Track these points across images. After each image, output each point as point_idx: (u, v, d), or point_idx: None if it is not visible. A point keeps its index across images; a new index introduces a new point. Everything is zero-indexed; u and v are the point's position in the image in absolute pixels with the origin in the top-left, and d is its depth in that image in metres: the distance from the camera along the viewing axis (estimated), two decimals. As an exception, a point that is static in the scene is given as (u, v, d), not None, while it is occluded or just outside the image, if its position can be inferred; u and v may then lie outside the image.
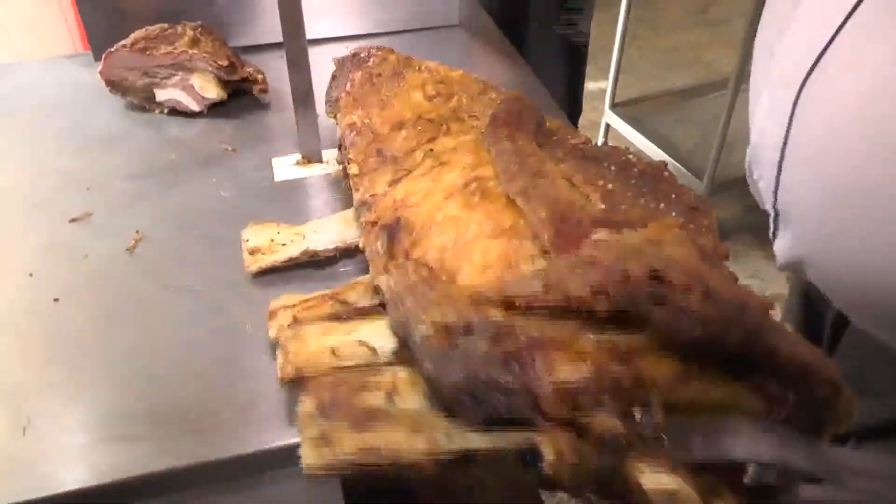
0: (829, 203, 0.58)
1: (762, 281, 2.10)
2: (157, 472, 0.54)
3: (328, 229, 0.72)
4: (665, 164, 0.67)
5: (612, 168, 0.65)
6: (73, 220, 0.78)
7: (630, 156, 0.68)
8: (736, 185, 2.16)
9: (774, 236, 0.68)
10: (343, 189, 0.77)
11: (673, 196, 0.64)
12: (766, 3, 0.66)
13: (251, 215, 0.76)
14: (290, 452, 0.55)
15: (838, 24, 0.54)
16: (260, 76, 0.96)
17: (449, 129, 0.72)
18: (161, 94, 0.95)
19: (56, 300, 0.68)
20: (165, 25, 0.97)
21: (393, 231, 0.60)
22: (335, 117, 0.78)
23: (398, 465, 0.44)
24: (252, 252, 0.71)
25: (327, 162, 0.85)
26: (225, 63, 0.93)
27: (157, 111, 0.96)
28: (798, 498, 0.44)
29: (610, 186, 0.61)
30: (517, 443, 0.43)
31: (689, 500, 0.41)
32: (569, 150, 0.67)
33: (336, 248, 0.71)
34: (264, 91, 0.96)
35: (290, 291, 0.64)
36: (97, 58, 1.04)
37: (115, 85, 0.95)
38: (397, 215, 0.61)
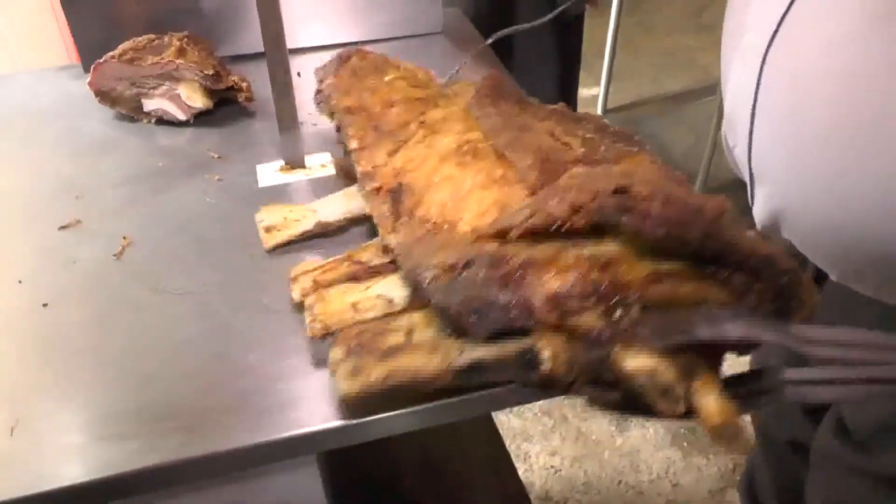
0: (797, 156, 0.62)
1: (757, 283, 2.11)
2: (148, 468, 0.56)
3: (335, 203, 0.77)
4: (632, 129, 0.74)
5: (590, 126, 0.72)
6: (62, 228, 0.80)
7: (605, 120, 0.75)
8: (729, 189, 2.19)
9: (752, 202, 0.71)
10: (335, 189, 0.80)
11: (644, 154, 0.71)
12: None
13: (236, 220, 0.79)
14: (280, 447, 0.57)
15: None
16: (245, 84, 0.99)
17: (437, 104, 0.79)
18: (148, 104, 0.97)
19: (45, 305, 0.71)
20: (153, 36, 1.00)
21: (397, 194, 0.67)
22: (328, 112, 0.83)
23: (421, 380, 0.52)
24: (268, 230, 0.76)
25: (310, 168, 0.87)
26: (211, 72, 0.96)
27: (145, 121, 0.99)
28: (777, 380, 0.49)
29: (589, 136, 0.68)
30: (519, 348, 0.50)
31: (667, 376, 0.47)
32: (549, 111, 0.75)
33: (346, 219, 0.76)
34: (249, 99, 0.99)
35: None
36: (87, 69, 1.06)
37: (104, 95, 0.98)
38: (399, 181, 0.68)
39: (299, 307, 0.65)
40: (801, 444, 0.99)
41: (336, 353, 0.56)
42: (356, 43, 1.12)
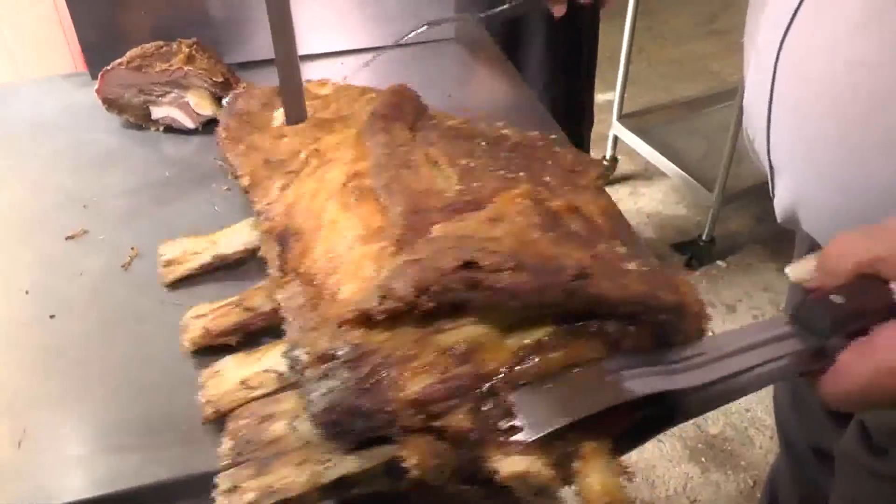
0: (811, 149, 0.65)
1: (775, 294, 2.10)
2: (151, 484, 0.56)
3: (238, 233, 0.75)
4: (545, 136, 0.74)
5: (484, 143, 0.70)
6: (69, 238, 0.80)
7: (505, 130, 0.74)
8: (747, 196, 2.17)
9: (773, 193, 0.73)
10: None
11: (548, 162, 0.71)
12: None
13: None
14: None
15: None
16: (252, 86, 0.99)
17: (333, 128, 0.76)
18: (157, 112, 0.97)
19: (52, 317, 0.71)
20: (161, 43, 1.00)
21: (284, 239, 0.64)
22: (232, 174, 0.80)
23: (293, 499, 0.49)
24: (168, 264, 0.74)
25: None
26: (220, 80, 0.96)
27: (153, 129, 0.99)
28: (676, 403, 0.49)
29: (471, 164, 0.65)
30: (384, 458, 0.48)
31: (541, 477, 0.45)
32: (443, 131, 0.72)
33: (245, 251, 0.73)
34: None
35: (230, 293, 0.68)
36: (94, 76, 1.07)
37: (111, 103, 0.98)
38: (287, 222, 0.65)
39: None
40: (823, 451, 0.99)
41: (225, 446, 0.53)
42: (366, 50, 1.12)
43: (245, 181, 0.74)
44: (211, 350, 0.65)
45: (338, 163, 0.69)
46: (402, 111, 0.74)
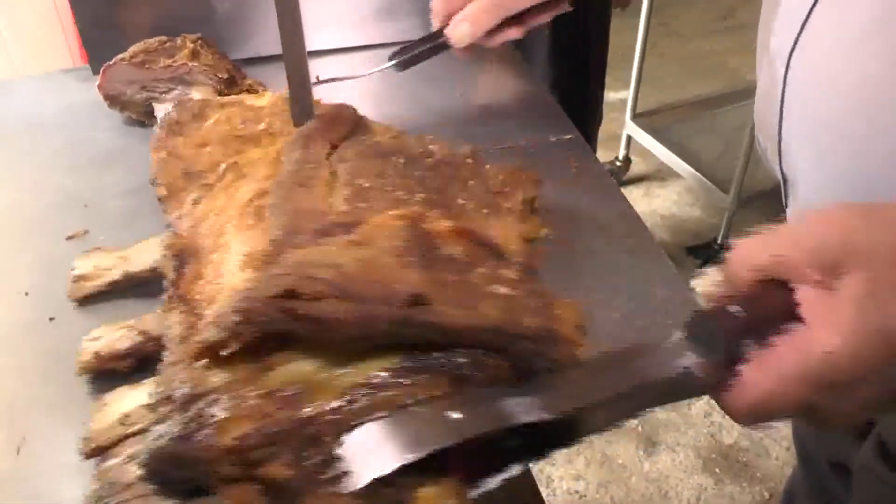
0: (823, 159, 0.64)
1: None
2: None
3: (149, 250, 0.73)
4: (472, 150, 0.74)
5: (400, 161, 0.69)
6: (69, 238, 0.81)
7: (433, 146, 0.73)
8: (764, 198, 2.17)
9: (786, 203, 0.73)
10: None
11: (471, 182, 0.71)
12: None
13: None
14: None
15: None
16: (260, 88, 0.99)
17: (260, 142, 0.76)
18: (160, 109, 0.97)
19: (52, 319, 0.71)
20: (164, 38, 1.00)
21: (181, 259, 0.63)
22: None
23: None
24: (78, 280, 0.73)
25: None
26: (225, 76, 0.96)
27: (156, 126, 0.99)
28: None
29: (370, 184, 0.65)
30: None
31: None
32: (364, 148, 0.71)
33: (154, 269, 0.71)
34: None
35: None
36: (96, 72, 1.07)
37: (113, 100, 0.98)
38: (187, 241, 0.65)
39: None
40: (842, 465, 0.99)
41: (91, 488, 0.53)
42: (374, 46, 1.12)
43: (161, 191, 0.73)
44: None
45: (250, 179, 0.69)
46: (332, 128, 0.74)
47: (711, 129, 2.45)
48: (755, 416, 0.46)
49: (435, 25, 0.88)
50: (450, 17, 0.86)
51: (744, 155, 2.01)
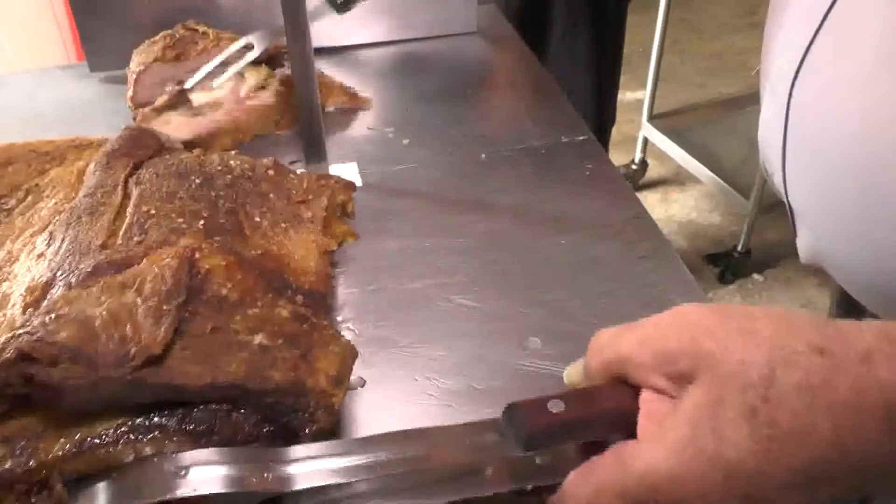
0: (827, 194, 0.63)
1: (817, 312, 2.11)
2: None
3: None
4: (273, 161, 0.77)
5: (197, 181, 0.72)
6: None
7: (233, 162, 0.75)
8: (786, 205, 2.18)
9: (795, 232, 0.72)
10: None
11: (272, 195, 0.74)
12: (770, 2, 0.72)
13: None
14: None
15: (823, 13, 0.59)
16: (283, 43, 1.00)
17: (64, 159, 0.78)
18: (200, 98, 0.99)
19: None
20: (166, 33, 1.02)
21: None
22: None
23: None
24: None
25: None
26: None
27: None
28: None
29: (153, 210, 0.67)
30: None
31: None
32: (164, 168, 0.73)
33: None
34: None
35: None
36: (93, 68, 1.09)
37: (146, 106, 0.98)
38: None
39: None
40: None
41: None
42: (384, 43, 1.15)
43: None
44: None
45: (50, 201, 0.71)
46: (137, 146, 0.76)
47: (733, 131, 2.45)
48: None
49: None
50: None
51: (766, 159, 2.02)
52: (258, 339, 0.55)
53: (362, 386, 0.63)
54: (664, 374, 0.42)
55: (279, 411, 0.53)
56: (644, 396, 0.43)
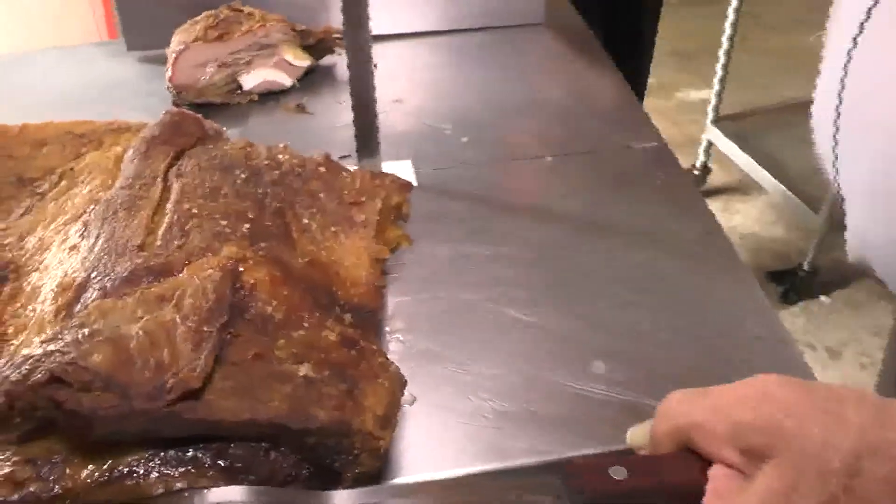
0: (884, 178, 0.61)
1: (885, 339, 2.07)
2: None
3: None
4: (325, 157, 0.76)
5: (242, 176, 0.71)
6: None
7: (281, 156, 0.75)
8: (862, 221, 2.15)
9: (845, 227, 0.71)
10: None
11: (322, 195, 0.73)
12: None
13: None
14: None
15: None
16: (334, 27, 1.03)
17: (101, 142, 0.78)
18: (249, 81, 1.00)
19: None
20: (210, 13, 1.03)
21: (1, 277, 0.66)
22: None
23: None
24: None
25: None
26: (300, 28, 1.01)
27: (246, 101, 1.03)
28: None
29: (195, 209, 0.66)
30: None
31: None
32: (207, 160, 0.73)
33: None
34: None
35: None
36: (131, 47, 1.11)
37: (187, 89, 1.01)
38: (10, 257, 0.67)
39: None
40: None
41: None
42: (441, 33, 1.15)
43: None
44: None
45: (85, 187, 0.71)
46: (178, 133, 0.76)
47: (803, 138, 2.39)
48: None
49: None
50: None
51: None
52: (303, 369, 0.54)
53: (411, 404, 0.63)
54: (737, 447, 0.41)
55: (321, 452, 0.52)
56: (713, 472, 0.43)
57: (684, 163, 2.54)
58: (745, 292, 0.74)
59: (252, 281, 0.59)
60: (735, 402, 0.42)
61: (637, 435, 0.49)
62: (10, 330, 0.60)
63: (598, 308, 0.72)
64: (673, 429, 0.45)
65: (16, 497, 0.49)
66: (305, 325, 0.58)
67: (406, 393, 0.61)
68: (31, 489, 0.49)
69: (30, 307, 0.62)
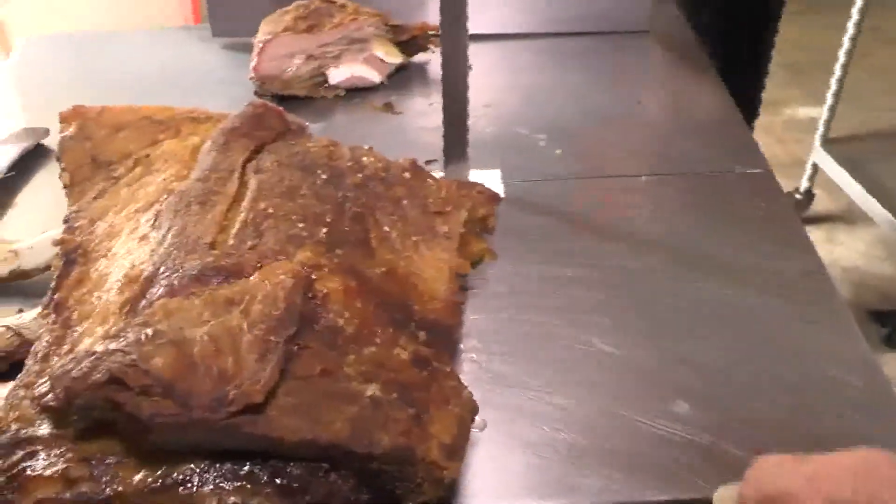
0: None
1: None
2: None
3: (42, 247, 0.76)
4: (412, 163, 0.75)
5: (323, 177, 0.71)
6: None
7: (365, 158, 0.75)
8: None
9: None
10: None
11: (405, 201, 0.73)
12: None
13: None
14: None
15: None
16: (431, 24, 1.04)
17: (179, 130, 0.79)
18: (336, 75, 1.02)
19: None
20: (300, 3, 1.05)
21: (70, 260, 0.67)
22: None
23: None
24: None
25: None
26: (394, 23, 1.02)
27: (332, 96, 1.05)
28: None
29: (271, 210, 0.67)
30: None
31: None
32: (287, 157, 0.73)
33: (49, 267, 0.74)
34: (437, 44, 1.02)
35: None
36: (216, 33, 1.13)
37: (271, 80, 1.03)
38: (82, 238, 0.68)
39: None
40: None
41: None
42: (541, 35, 1.15)
43: (65, 178, 0.76)
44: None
45: (159, 175, 0.72)
46: (259, 127, 0.77)
47: (923, 166, 2.37)
48: None
49: None
50: None
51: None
52: (371, 389, 0.54)
53: (482, 430, 0.63)
54: None
55: (382, 478, 0.53)
56: None
57: (787, 185, 2.50)
58: (847, 340, 0.72)
59: (325, 290, 0.60)
60: (833, 474, 0.42)
61: (724, 498, 0.49)
62: (75, 315, 0.62)
63: (685, 343, 0.71)
64: (764, 497, 0.44)
65: (67, 495, 0.50)
66: (377, 340, 0.59)
67: (476, 418, 0.62)
68: (83, 489, 0.51)
69: (95, 294, 0.64)
